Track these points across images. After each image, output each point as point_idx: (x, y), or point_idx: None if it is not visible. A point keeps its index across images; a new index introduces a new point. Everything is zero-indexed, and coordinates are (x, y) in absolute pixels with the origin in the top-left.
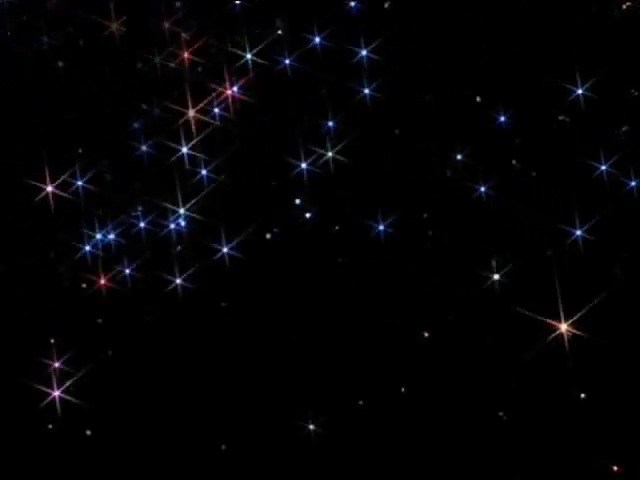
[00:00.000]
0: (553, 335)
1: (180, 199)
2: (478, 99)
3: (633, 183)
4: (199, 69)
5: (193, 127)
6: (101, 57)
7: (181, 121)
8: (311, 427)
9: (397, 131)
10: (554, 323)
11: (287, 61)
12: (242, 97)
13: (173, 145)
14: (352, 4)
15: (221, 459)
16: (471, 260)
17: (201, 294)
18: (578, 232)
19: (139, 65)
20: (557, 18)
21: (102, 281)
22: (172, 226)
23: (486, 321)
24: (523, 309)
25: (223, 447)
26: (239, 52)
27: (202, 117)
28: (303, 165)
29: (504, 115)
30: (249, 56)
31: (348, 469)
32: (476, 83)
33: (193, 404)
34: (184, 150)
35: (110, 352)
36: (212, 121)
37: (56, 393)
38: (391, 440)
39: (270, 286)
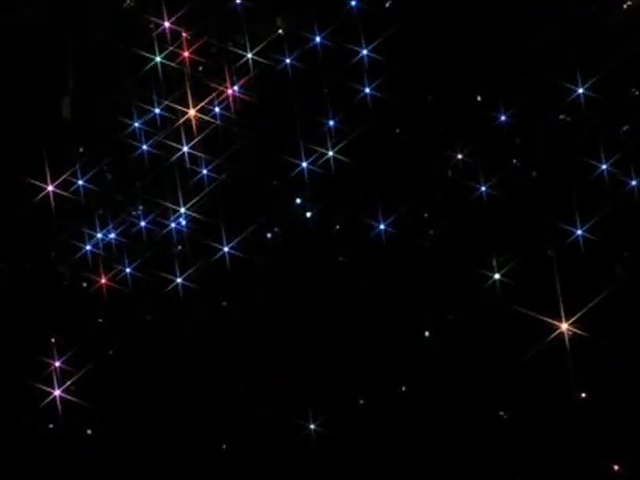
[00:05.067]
0: (554, 334)
1: (181, 198)
2: (478, 99)
3: (633, 183)
4: (200, 68)
5: (194, 126)
6: (101, 56)
7: (182, 120)
8: (311, 427)
9: (397, 130)
10: (555, 322)
11: (288, 60)
12: (243, 96)
13: (174, 144)
14: (352, 4)
15: (221, 459)
16: (472, 259)
17: (201, 294)
18: (578, 232)
19: (140, 64)
20: (558, 18)
21: (103, 280)
22: (173, 225)
23: (486, 321)
24: (523, 308)
25: (223, 447)
26: (240, 51)
27: (203, 116)
28: (304, 164)
29: (504, 115)
30: (250, 55)
31: (348, 469)
32: (476, 83)
33: (193, 404)
34: (185, 149)
35: (111, 351)
36: (213, 120)
37: (57, 392)
38: (391, 440)
39: (270, 286)
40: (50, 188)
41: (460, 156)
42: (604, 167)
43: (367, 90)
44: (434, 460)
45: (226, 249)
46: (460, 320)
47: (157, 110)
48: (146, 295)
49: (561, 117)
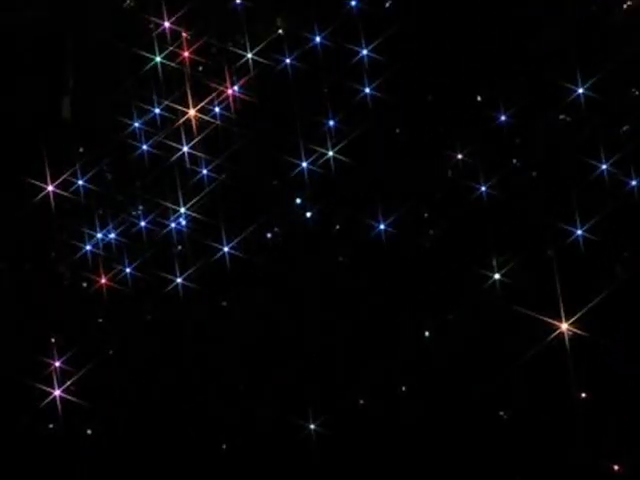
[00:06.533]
0: (554, 334)
1: (181, 198)
2: (478, 99)
3: (633, 183)
4: (200, 68)
5: (194, 126)
6: (101, 56)
7: (182, 120)
8: (311, 427)
9: (397, 130)
10: (555, 322)
11: (288, 60)
12: (243, 96)
13: (174, 144)
14: (352, 4)
15: (221, 459)
16: (472, 259)
17: (201, 294)
18: (578, 232)
19: (140, 64)
20: (558, 18)
21: (103, 280)
22: (173, 225)
23: (486, 321)
24: (523, 308)
25: (223, 447)
26: (240, 51)
27: (203, 116)
28: (304, 164)
29: (504, 115)
30: (250, 55)
31: (348, 469)
32: (476, 83)
33: (193, 404)
34: (185, 149)
35: (111, 351)
36: (213, 120)
37: (57, 392)
38: (391, 440)
39: (270, 286)
40: (50, 188)
41: (460, 156)
42: (604, 167)
43: (367, 90)
44: (434, 460)
45: (226, 249)
46: (460, 320)
47: (157, 110)
48: (146, 295)
49: (561, 117)
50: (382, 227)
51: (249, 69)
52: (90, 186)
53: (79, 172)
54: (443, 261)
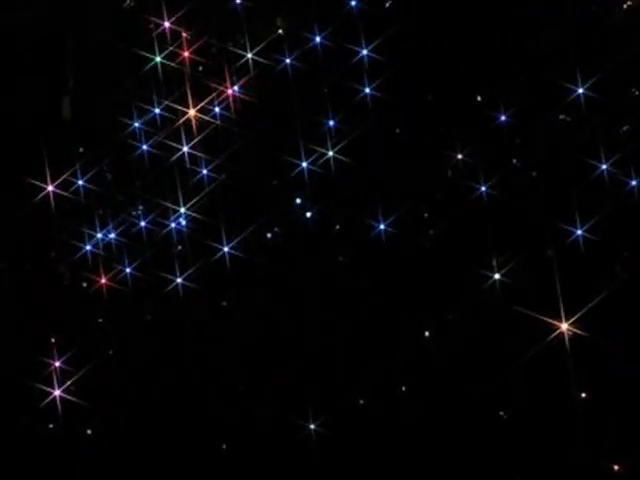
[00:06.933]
0: (554, 334)
1: (181, 198)
2: (478, 99)
3: (633, 183)
4: (200, 68)
5: (194, 126)
6: (101, 56)
7: (182, 120)
8: (311, 427)
9: (397, 130)
10: (555, 322)
11: (288, 60)
12: (243, 96)
13: (174, 144)
14: (352, 4)
15: (221, 459)
16: (472, 259)
17: (201, 294)
18: (578, 232)
19: (140, 64)
20: (558, 18)
21: (103, 280)
22: (173, 225)
23: (486, 321)
24: (523, 308)
25: (223, 447)
26: (240, 51)
27: (203, 116)
28: (304, 164)
29: (504, 115)
30: (250, 55)
31: (348, 469)
32: (476, 83)
33: (193, 404)
34: (185, 149)
35: (111, 351)
36: (213, 120)
37: (57, 392)
38: (391, 440)
39: (270, 286)
40: (50, 188)
41: (460, 156)
42: (604, 167)
43: (367, 90)
44: (434, 460)
45: (226, 249)
46: (460, 320)
47: (157, 110)
48: (146, 295)
49: (561, 117)
50: (382, 227)
51: (249, 69)
52: (90, 186)
53: (79, 172)
54: (443, 261)
